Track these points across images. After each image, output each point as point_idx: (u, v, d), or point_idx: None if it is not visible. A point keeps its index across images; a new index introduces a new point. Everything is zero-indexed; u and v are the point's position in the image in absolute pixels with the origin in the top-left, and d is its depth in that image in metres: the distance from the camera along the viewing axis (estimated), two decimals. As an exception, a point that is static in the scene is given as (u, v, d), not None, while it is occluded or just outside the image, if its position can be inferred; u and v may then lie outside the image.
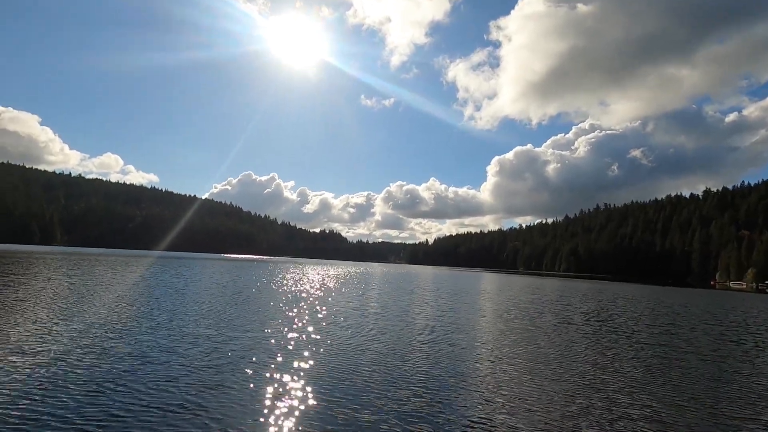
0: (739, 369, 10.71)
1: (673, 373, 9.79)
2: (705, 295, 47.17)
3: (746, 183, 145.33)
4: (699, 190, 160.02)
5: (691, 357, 11.85)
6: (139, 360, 8.43)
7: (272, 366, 8.53)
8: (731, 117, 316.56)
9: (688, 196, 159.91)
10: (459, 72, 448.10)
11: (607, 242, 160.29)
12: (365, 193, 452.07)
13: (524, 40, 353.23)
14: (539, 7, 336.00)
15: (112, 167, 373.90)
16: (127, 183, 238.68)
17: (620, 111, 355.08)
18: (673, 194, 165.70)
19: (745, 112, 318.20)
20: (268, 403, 6.53)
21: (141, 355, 8.77)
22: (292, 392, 7.05)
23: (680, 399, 7.83)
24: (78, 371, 7.51)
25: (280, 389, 7.16)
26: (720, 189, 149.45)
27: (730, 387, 8.88)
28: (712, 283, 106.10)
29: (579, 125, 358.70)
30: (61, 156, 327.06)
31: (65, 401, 6.13)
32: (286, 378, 7.76)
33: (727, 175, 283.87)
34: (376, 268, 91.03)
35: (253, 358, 8.99)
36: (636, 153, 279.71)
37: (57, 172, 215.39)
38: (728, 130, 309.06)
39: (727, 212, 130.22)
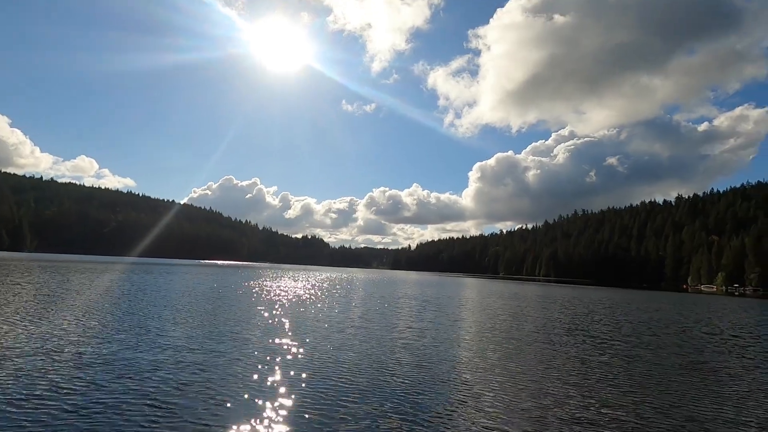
0: (721, 372, 10.93)
1: (655, 377, 9.90)
2: (679, 299, 48.55)
3: (715, 190, 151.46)
4: (672, 197, 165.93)
5: (672, 361, 12.06)
6: (98, 382, 7.80)
7: (244, 383, 8.20)
8: (702, 127, 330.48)
9: (661, 202, 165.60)
10: (439, 78, 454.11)
11: (585, 248, 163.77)
12: (348, 199, 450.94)
13: (503, 49, 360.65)
14: (517, 17, 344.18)
15: (86, 171, 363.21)
16: (102, 187, 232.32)
17: (596, 119, 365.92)
18: (647, 201, 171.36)
19: (715, 122, 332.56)
20: (240, 417, 6.27)
21: (99, 376, 8.13)
22: (264, 410, 6.81)
23: (664, 403, 7.89)
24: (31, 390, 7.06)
25: (252, 406, 6.90)
26: (691, 196, 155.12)
27: (712, 390, 9.02)
28: (684, 286, 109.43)
29: (558, 132, 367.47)
30: (32, 159, 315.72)
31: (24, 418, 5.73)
32: (259, 396, 7.46)
33: (698, 182, 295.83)
34: (359, 275, 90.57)
35: (224, 375, 8.51)
36: (612, 160, 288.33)
37: (27, 176, 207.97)
38: (699, 140, 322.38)
39: (698, 218, 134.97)
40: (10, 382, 7.02)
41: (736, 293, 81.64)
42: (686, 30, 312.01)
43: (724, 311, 31.45)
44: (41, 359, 8.47)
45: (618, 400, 7.79)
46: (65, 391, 6.74)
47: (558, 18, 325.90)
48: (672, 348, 13.93)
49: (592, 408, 7.27)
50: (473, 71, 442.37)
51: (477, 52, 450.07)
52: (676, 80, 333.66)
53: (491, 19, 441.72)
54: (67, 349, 9.35)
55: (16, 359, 8.35)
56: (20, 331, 11.12)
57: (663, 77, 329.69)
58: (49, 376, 7.41)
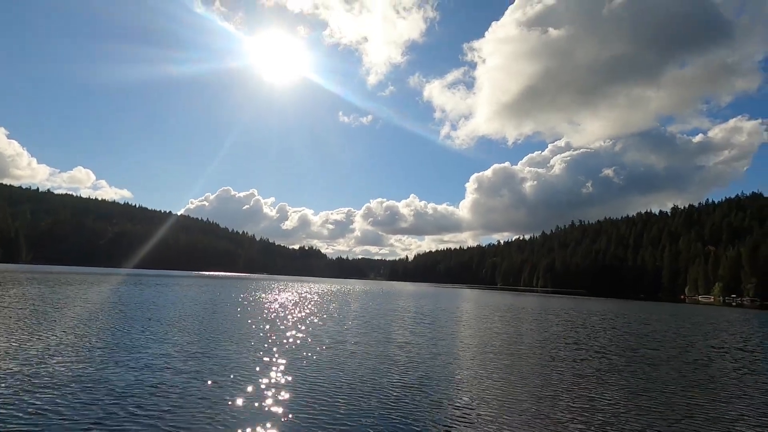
0: (732, 387, 10.90)
1: (665, 396, 9.87)
2: (678, 310, 48.48)
3: (711, 201, 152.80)
4: (667, 207, 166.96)
5: (682, 377, 12.03)
6: (94, 401, 7.77)
7: (225, 405, 8.03)
8: (697, 138, 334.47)
9: (657, 213, 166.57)
10: (434, 90, 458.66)
11: (582, 258, 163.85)
12: (345, 210, 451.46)
13: (498, 62, 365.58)
14: (512, 31, 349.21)
15: (83, 182, 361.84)
16: (99, 199, 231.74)
17: (591, 130, 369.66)
18: (643, 211, 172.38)
19: (710, 134, 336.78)
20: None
21: (96, 394, 8.08)
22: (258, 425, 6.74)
23: (664, 415, 7.87)
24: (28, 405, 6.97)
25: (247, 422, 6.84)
26: (687, 206, 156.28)
27: (723, 406, 9.00)
28: (681, 297, 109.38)
29: (555, 143, 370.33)
30: (29, 170, 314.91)
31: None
32: (241, 419, 7.37)
33: (693, 193, 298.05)
34: (356, 286, 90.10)
35: (202, 397, 8.34)
36: (608, 171, 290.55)
37: (24, 187, 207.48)
38: (694, 151, 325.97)
39: (694, 229, 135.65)
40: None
41: (734, 303, 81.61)
42: (679, 43, 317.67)
43: (726, 323, 31.35)
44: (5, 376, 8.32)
45: (623, 421, 7.77)
46: (28, 412, 6.49)
47: (552, 31, 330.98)
48: (680, 364, 13.89)
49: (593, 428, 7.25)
50: (469, 83, 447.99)
51: (472, 65, 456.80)
52: (669, 92, 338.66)
53: (486, 33, 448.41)
54: (30, 368, 9.01)
55: None
56: None
57: (656, 89, 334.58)
58: (15, 396, 7.23)
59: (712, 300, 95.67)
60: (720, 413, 8.23)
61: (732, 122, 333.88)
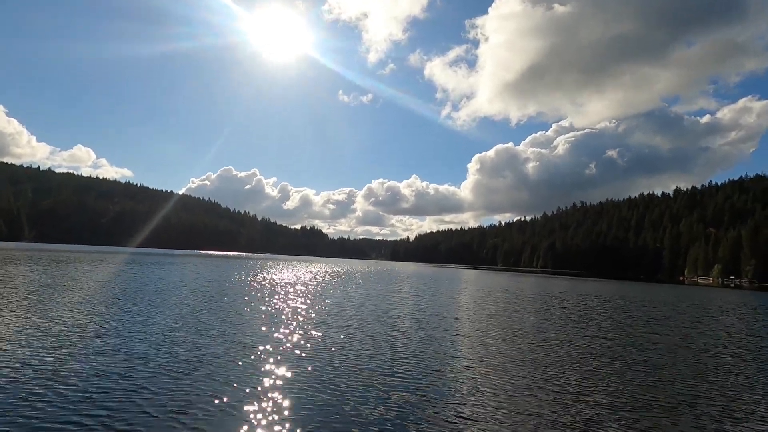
0: (740, 374, 10.81)
1: (657, 373, 9.78)
2: (678, 292, 48.58)
3: (714, 183, 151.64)
4: (671, 189, 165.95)
5: (671, 358, 11.95)
6: (91, 380, 7.69)
7: (239, 384, 7.99)
8: (705, 119, 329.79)
9: (660, 195, 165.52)
10: (436, 68, 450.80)
11: (583, 239, 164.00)
12: (346, 190, 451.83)
13: (501, 39, 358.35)
14: (516, 7, 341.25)
15: (83, 161, 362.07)
16: (100, 177, 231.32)
17: (595, 110, 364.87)
18: (646, 193, 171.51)
19: (718, 115, 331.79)
20: (240, 413, 6.12)
21: (92, 375, 8.02)
22: (262, 408, 6.64)
23: (662, 399, 7.76)
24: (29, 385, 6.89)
25: (252, 403, 6.75)
26: (689, 188, 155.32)
27: (728, 393, 8.90)
28: (681, 278, 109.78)
29: (558, 123, 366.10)
30: (29, 149, 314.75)
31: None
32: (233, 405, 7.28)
33: (698, 174, 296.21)
34: (357, 267, 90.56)
35: (221, 376, 8.34)
36: (612, 153, 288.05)
37: (24, 166, 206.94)
38: (700, 132, 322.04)
39: (696, 211, 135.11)
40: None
41: (732, 285, 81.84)
42: (687, 21, 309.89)
43: (730, 306, 31.13)
44: None
45: (618, 407, 7.66)
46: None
47: (558, 7, 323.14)
48: (676, 348, 13.82)
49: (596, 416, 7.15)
50: (471, 61, 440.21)
51: (475, 43, 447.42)
52: (676, 72, 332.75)
53: (489, 8, 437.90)
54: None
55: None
56: None
57: (663, 68, 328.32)
58: None
59: (711, 282, 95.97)
60: (719, 398, 8.13)
61: (741, 102, 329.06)
